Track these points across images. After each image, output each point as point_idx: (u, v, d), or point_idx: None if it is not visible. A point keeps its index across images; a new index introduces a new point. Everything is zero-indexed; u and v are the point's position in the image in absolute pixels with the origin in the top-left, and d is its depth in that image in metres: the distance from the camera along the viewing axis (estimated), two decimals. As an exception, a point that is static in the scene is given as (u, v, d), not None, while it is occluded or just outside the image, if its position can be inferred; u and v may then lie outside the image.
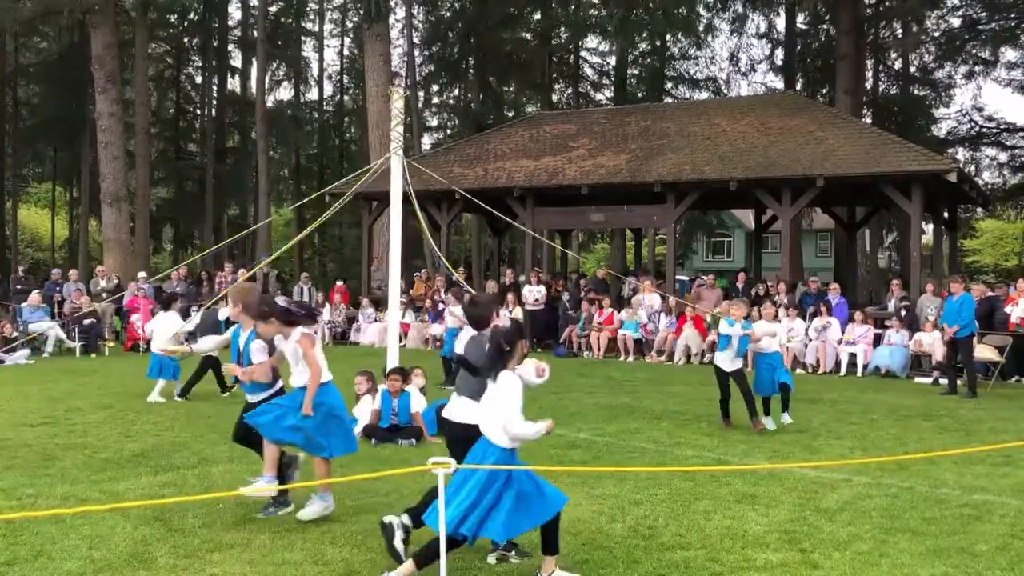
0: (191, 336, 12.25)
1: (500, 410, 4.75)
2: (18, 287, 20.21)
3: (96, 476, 7.16)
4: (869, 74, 32.20)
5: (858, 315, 16.39)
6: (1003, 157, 32.00)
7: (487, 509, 4.65)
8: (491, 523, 4.65)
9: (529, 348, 6.36)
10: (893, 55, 33.17)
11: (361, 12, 32.89)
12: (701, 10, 30.60)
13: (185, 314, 19.80)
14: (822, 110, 22.09)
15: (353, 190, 16.25)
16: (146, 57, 32.07)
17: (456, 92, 39.51)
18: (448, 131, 40.16)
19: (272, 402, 6.17)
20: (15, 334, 17.19)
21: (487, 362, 4.89)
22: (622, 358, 17.76)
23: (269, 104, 38.09)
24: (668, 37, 33.01)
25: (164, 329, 11.72)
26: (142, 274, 20.90)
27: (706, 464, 7.93)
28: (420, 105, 36.70)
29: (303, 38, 42.93)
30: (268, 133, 34.73)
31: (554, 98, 36.43)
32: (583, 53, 37.51)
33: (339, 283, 22.84)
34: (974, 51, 30.30)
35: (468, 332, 5.79)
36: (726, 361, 9.82)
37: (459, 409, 5.23)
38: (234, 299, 6.67)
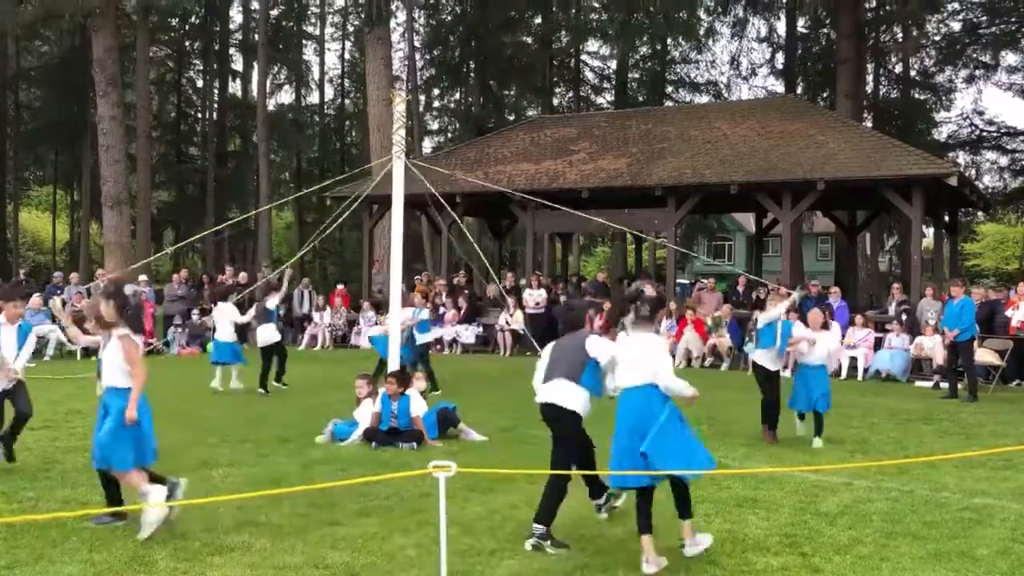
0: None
1: (652, 364, 5.31)
2: (19, 290, 20.20)
3: (97, 479, 7.15)
4: (870, 78, 32.22)
5: (859, 319, 16.38)
6: (1004, 161, 32.03)
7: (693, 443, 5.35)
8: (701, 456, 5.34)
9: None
10: (894, 59, 33.20)
11: (362, 16, 32.93)
12: (702, 14, 30.66)
13: (186, 316, 19.88)
14: (822, 114, 22.11)
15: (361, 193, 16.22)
16: (147, 60, 32.10)
17: (457, 96, 39.54)
18: (449, 135, 40.18)
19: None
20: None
21: (633, 326, 5.47)
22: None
23: (270, 108, 38.12)
24: (669, 41, 33.07)
25: (224, 319, 12.71)
26: (143, 277, 20.91)
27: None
28: (421, 109, 36.72)
29: (304, 42, 43.01)
30: (269, 136, 34.74)
31: (555, 102, 36.47)
32: (584, 57, 37.56)
33: (340, 286, 22.84)
34: (974, 55, 30.33)
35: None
36: (768, 359, 9.03)
37: (559, 393, 5.71)
38: (88, 314, 6.66)
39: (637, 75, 36.17)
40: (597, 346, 5.73)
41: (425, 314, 13.16)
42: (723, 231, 50.01)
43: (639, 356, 5.35)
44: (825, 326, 9.53)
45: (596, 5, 34.64)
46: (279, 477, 7.33)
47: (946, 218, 22.00)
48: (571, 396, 5.69)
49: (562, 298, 19.96)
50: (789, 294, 9.64)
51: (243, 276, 21.30)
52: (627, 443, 5.21)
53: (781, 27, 32.42)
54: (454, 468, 4.55)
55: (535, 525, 5.55)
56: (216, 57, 39.84)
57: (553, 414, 5.75)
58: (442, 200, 13.21)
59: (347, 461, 8.03)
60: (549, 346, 6.17)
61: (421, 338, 12.94)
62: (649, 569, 5.03)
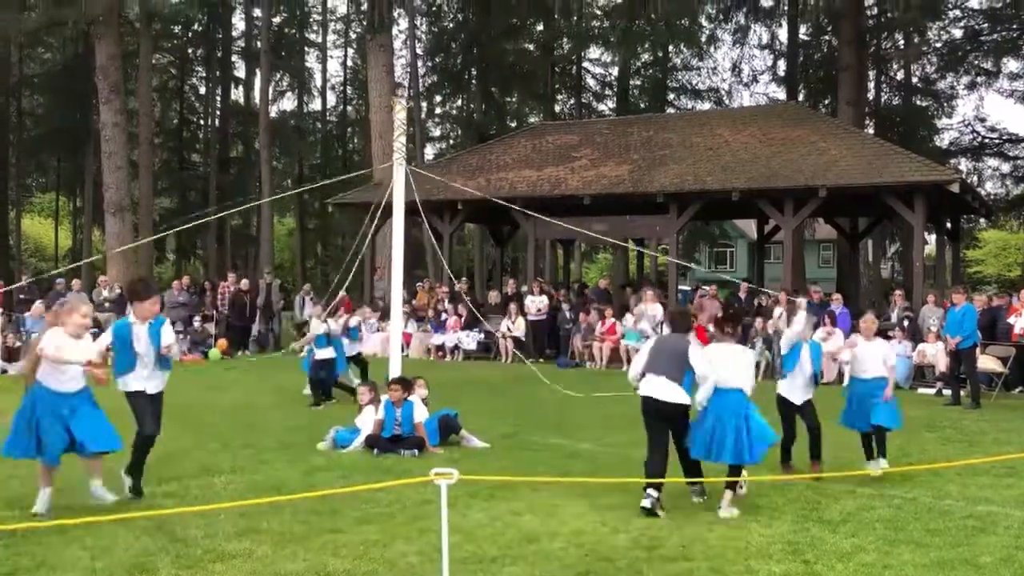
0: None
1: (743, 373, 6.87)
2: (21, 296, 20.22)
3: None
4: (871, 85, 32.25)
5: (861, 325, 16.34)
6: (1005, 168, 32.08)
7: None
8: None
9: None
10: (895, 66, 33.22)
11: (364, 23, 33.02)
12: (703, 21, 30.72)
13: (187, 323, 19.88)
14: (824, 121, 22.13)
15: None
16: (150, 68, 32.14)
17: (459, 102, 39.63)
18: (451, 141, 40.27)
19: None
20: (18, 344, 17.20)
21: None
22: (625, 368, 17.70)
23: (272, 114, 38.21)
24: (670, 48, 33.13)
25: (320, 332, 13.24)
26: (145, 284, 20.88)
27: (708, 475, 7.90)
28: (423, 115, 36.80)
29: (306, 49, 43.12)
30: (271, 143, 34.81)
31: (556, 109, 36.53)
32: (585, 64, 37.64)
33: (342, 293, 22.81)
34: (976, 62, 30.36)
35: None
36: (796, 391, 7.82)
37: (667, 389, 6.72)
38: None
39: (639, 82, 36.24)
40: (697, 359, 6.75)
41: (322, 328, 12.48)
42: (725, 238, 50.07)
43: (734, 365, 6.78)
44: (880, 334, 8.22)
45: (598, 12, 34.73)
46: (280, 484, 7.32)
47: (948, 225, 22.00)
48: (678, 394, 6.72)
49: (564, 305, 19.98)
50: (797, 302, 9.09)
51: (245, 283, 21.31)
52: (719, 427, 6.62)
53: (783, 34, 32.53)
54: (456, 475, 4.54)
55: (693, 488, 6.92)
56: (219, 64, 39.95)
57: (664, 409, 6.74)
58: (421, 210, 13.34)
59: (349, 468, 8.02)
60: (652, 341, 7.35)
61: (320, 353, 12.38)
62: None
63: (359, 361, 13.62)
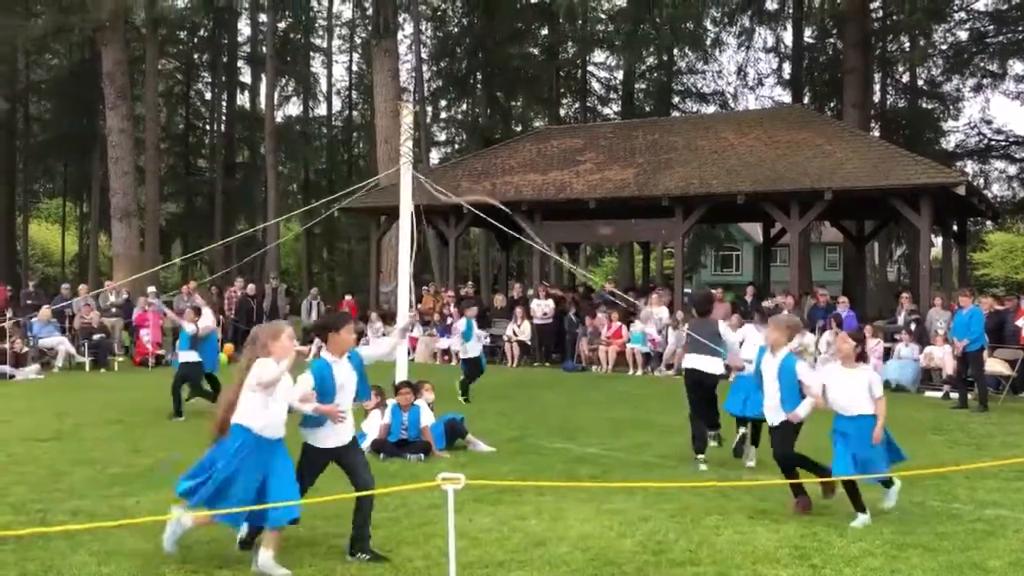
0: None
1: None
2: (28, 302, 20.28)
3: (105, 491, 7.17)
4: (877, 87, 32.19)
5: (868, 329, 16.28)
6: (1012, 170, 31.93)
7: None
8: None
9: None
10: (901, 68, 33.15)
11: (369, 28, 33.13)
12: (708, 24, 30.67)
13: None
14: (830, 123, 22.08)
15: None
16: (156, 73, 32.32)
17: (464, 107, 39.69)
18: (456, 146, 40.31)
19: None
20: (25, 349, 17.25)
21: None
22: (631, 372, 17.72)
23: (278, 119, 38.32)
24: (675, 51, 33.11)
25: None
26: (151, 289, 20.97)
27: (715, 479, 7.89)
28: (428, 120, 36.87)
29: (312, 54, 43.27)
30: (277, 148, 34.89)
31: (561, 112, 36.55)
32: (590, 68, 37.67)
33: (348, 297, 22.87)
34: (982, 64, 30.24)
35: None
36: (770, 410, 6.82)
37: (706, 363, 8.35)
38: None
39: (644, 85, 36.22)
40: (727, 333, 8.41)
41: (190, 329, 11.42)
42: (731, 241, 50.02)
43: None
44: (862, 357, 6.56)
45: (602, 16, 34.75)
46: (287, 489, 7.31)
47: (955, 227, 21.94)
48: (715, 365, 8.34)
49: (571, 310, 19.95)
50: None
51: (251, 288, 21.35)
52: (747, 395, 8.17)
53: (788, 37, 32.40)
54: (462, 480, 4.53)
55: (699, 455, 8.33)
56: (224, 69, 40.08)
57: (701, 378, 8.38)
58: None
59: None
60: (685, 326, 9.41)
61: (183, 356, 11.53)
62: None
63: (473, 364, 13.32)
